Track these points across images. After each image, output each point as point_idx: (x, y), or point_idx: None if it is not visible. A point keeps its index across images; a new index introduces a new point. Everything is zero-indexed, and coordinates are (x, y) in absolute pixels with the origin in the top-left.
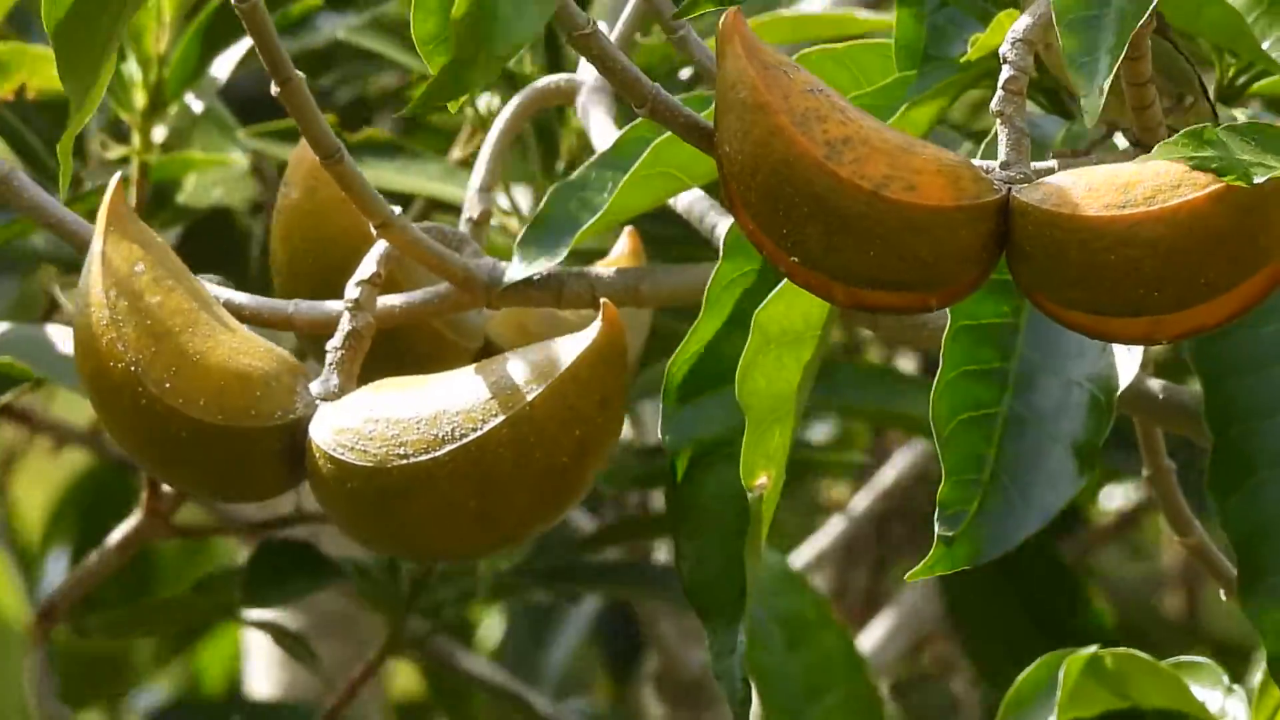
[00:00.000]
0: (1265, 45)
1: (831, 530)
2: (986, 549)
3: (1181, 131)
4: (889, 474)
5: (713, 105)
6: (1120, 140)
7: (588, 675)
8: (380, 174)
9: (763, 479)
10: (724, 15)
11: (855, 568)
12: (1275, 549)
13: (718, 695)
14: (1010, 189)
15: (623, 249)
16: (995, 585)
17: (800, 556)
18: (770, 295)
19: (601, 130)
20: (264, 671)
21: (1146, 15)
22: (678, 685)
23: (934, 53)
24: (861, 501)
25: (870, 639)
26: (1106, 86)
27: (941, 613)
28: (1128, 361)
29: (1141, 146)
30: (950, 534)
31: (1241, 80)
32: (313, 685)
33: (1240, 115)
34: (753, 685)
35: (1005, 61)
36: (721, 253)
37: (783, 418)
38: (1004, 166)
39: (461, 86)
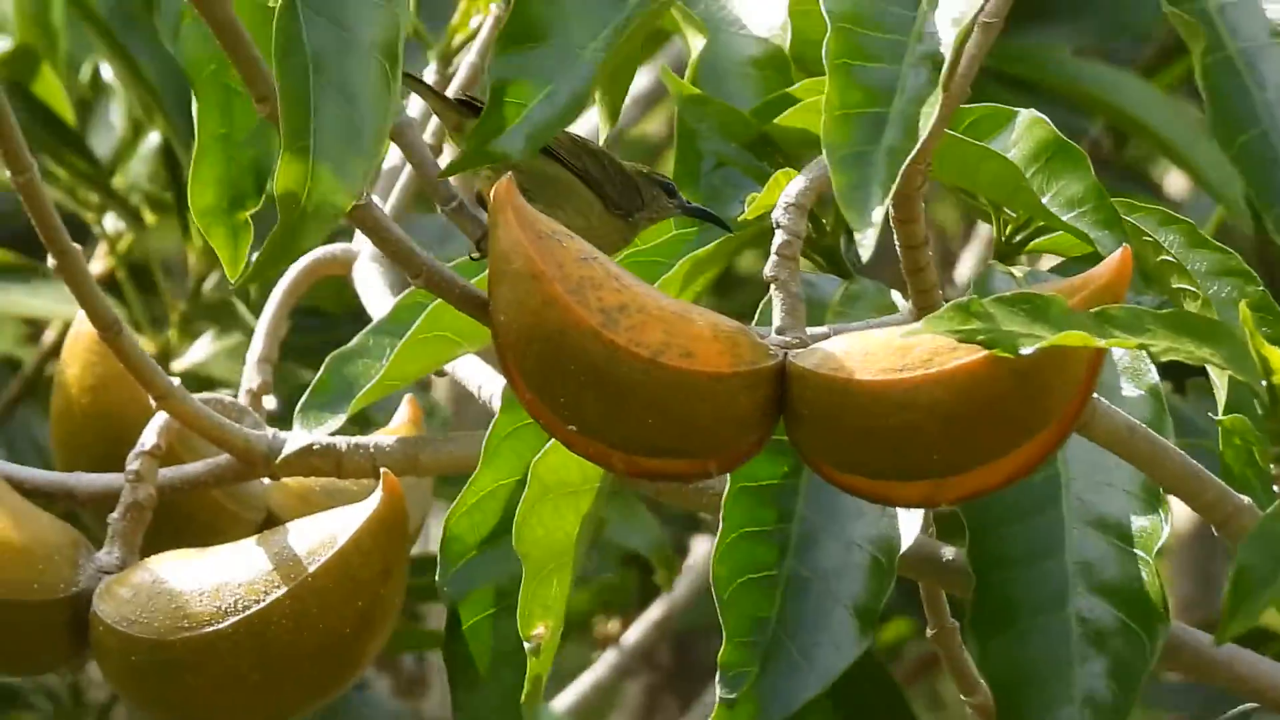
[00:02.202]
0: (1045, 200)
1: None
2: (769, 711)
3: (948, 304)
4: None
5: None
6: (901, 302)
7: None
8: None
9: (540, 629)
10: (495, 186)
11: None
12: (1035, 699)
13: None
14: (786, 354)
15: (403, 418)
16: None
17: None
18: (547, 446)
19: (377, 298)
20: None
21: (915, 151)
22: None
23: (711, 213)
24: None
25: None
26: (879, 220)
27: None
28: (909, 523)
29: (918, 310)
30: (732, 696)
31: (1020, 237)
32: None
33: (1018, 272)
34: None
35: (778, 226)
36: (499, 406)
37: (561, 568)
38: (780, 332)
39: (295, 252)
